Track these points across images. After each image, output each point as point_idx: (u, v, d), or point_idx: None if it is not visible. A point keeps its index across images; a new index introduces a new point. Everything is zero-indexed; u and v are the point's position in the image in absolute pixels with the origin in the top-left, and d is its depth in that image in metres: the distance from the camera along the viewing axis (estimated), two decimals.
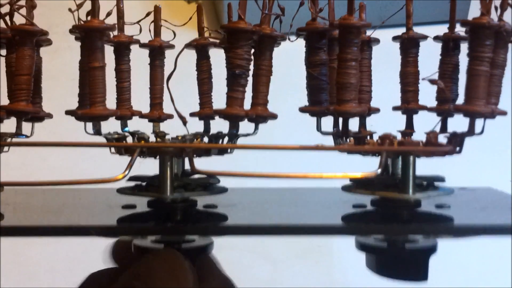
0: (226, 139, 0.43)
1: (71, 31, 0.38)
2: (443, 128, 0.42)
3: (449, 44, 0.42)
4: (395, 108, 0.45)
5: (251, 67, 0.40)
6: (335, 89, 0.39)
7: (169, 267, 0.38)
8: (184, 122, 0.39)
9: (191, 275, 0.39)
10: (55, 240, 0.82)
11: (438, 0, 1.01)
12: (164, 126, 0.46)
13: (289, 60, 0.48)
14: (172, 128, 0.44)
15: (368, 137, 0.44)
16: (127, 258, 0.45)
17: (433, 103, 0.43)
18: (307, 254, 0.84)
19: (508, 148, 0.92)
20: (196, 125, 0.45)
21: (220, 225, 0.38)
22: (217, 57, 0.43)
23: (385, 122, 0.47)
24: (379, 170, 0.37)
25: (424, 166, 0.44)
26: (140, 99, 0.46)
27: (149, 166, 0.41)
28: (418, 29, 0.45)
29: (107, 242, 0.47)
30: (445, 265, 0.80)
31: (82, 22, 0.38)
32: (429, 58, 0.45)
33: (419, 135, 0.43)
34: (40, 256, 0.82)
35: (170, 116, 0.45)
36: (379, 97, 0.46)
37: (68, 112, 0.40)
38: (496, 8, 0.39)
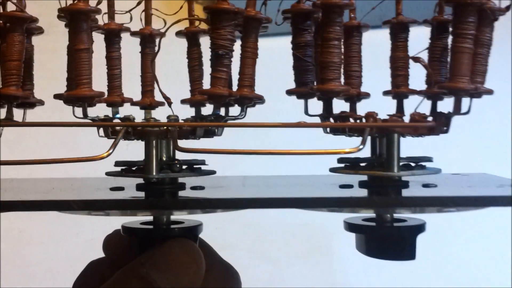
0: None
1: (58, 16, 0.39)
2: (433, 111, 0.42)
3: (434, 27, 0.42)
4: (386, 93, 0.45)
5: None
6: (319, 69, 0.39)
7: (189, 255, 0.39)
8: (169, 103, 0.39)
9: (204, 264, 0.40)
10: (55, 240, 0.83)
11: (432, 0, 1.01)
12: (155, 113, 0.46)
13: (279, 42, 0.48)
14: (164, 115, 0.44)
15: (358, 121, 0.44)
16: (117, 250, 0.46)
17: (424, 87, 0.43)
18: (307, 254, 0.84)
19: (509, 148, 0.91)
20: (188, 112, 0.45)
21: (201, 199, 0.38)
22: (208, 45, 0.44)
23: (377, 107, 0.47)
24: (362, 146, 0.37)
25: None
26: (132, 87, 0.47)
27: (137, 150, 0.42)
28: (419, 29, 0.46)
29: None
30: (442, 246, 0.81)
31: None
32: (419, 43, 0.45)
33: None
34: (40, 256, 0.82)
35: (161, 103, 0.45)
36: (371, 82, 0.46)
37: (56, 96, 0.40)
38: None
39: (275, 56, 0.55)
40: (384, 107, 0.45)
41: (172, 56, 0.48)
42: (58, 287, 0.66)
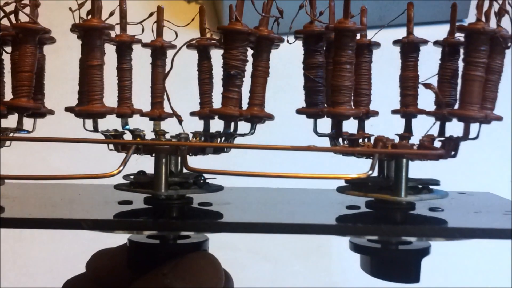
0: (223, 138, 0.43)
1: (71, 30, 0.39)
2: (441, 132, 0.43)
3: (445, 49, 0.42)
4: (394, 112, 0.45)
5: (250, 68, 0.40)
6: (330, 91, 0.39)
7: (212, 266, 0.41)
8: (180, 121, 0.39)
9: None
10: (55, 240, 0.83)
11: (439, 0, 1.01)
12: (164, 125, 0.46)
13: (290, 61, 0.48)
14: (173, 127, 0.44)
15: (366, 140, 0.45)
16: (106, 269, 0.47)
17: (433, 107, 0.44)
18: (307, 254, 0.85)
19: (509, 148, 0.92)
20: (197, 125, 0.46)
21: (210, 222, 0.38)
22: (219, 58, 0.44)
23: (387, 125, 0.47)
24: (370, 172, 0.37)
25: (430, 170, 0.45)
26: (141, 98, 0.47)
27: (146, 163, 0.42)
28: (419, 29, 0.46)
29: (107, 242, 0.48)
30: (445, 268, 0.81)
31: (81, 21, 0.39)
32: (430, 60, 0.46)
33: (418, 139, 0.43)
34: (40, 256, 0.82)
35: (171, 115, 0.45)
36: (382, 99, 0.46)
37: (67, 109, 0.40)
38: (495, 14, 0.40)
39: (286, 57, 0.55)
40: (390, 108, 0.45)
41: (182, 66, 0.49)
42: (58, 287, 0.66)
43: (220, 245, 0.48)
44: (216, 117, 0.43)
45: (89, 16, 0.39)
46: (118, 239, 0.47)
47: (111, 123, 0.44)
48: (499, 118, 0.39)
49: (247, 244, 0.85)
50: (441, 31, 0.44)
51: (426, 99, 0.45)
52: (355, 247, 0.43)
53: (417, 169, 0.44)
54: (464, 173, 0.84)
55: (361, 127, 0.45)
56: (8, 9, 0.41)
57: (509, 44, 0.39)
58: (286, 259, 0.85)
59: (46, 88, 0.44)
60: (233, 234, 0.78)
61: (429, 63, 0.46)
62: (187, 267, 0.40)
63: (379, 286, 0.46)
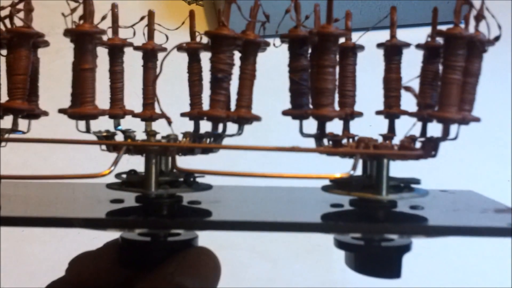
0: (212, 139, 0.45)
1: (64, 35, 0.41)
2: (423, 133, 0.44)
3: (425, 53, 0.43)
4: (378, 113, 0.47)
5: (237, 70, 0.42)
6: (314, 93, 0.41)
7: (213, 261, 0.43)
8: (169, 122, 0.41)
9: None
10: (56, 240, 0.84)
11: (432, 0, 1.02)
12: (155, 125, 0.48)
13: (277, 63, 0.49)
14: (164, 127, 0.46)
15: (351, 140, 0.46)
16: (89, 271, 0.47)
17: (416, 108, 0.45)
18: (307, 253, 0.85)
19: (509, 148, 0.93)
20: (187, 125, 0.47)
21: (198, 220, 0.40)
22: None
23: (376, 125, 0.48)
24: (352, 172, 0.39)
25: (424, 169, 0.46)
26: (134, 100, 0.49)
27: (137, 162, 0.43)
28: (412, 31, 0.47)
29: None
30: (445, 268, 0.82)
31: (75, 26, 0.40)
32: (414, 62, 0.47)
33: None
34: (40, 256, 0.83)
35: (162, 116, 0.47)
36: (373, 100, 0.48)
37: (60, 111, 0.42)
38: (474, 18, 0.41)
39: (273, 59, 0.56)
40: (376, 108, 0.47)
41: (173, 68, 0.50)
42: None
43: (220, 244, 0.49)
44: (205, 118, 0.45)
45: (81, 21, 0.40)
46: None
47: (104, 124, 0.45)
48: (477, 120, 0.41)
49: (247, 243, 0.86)
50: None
51: (411, 100, 0.46)
52: (340, 244, 0.44)
53: (415, 169, 0.45)
54: (465, 173, 0.85)
55: (346, 127, 0.46)
56: (3, 14, 0.42)
57: (486, 48, 0.41)
58: (286, 258, 0.86)
59: (48, 88, 0.45)
60: (233, 233, 0.80)
61: (412, 65, 0.47)
62: (192, 264, 0.42)
63: (378, 285, 0.48)
